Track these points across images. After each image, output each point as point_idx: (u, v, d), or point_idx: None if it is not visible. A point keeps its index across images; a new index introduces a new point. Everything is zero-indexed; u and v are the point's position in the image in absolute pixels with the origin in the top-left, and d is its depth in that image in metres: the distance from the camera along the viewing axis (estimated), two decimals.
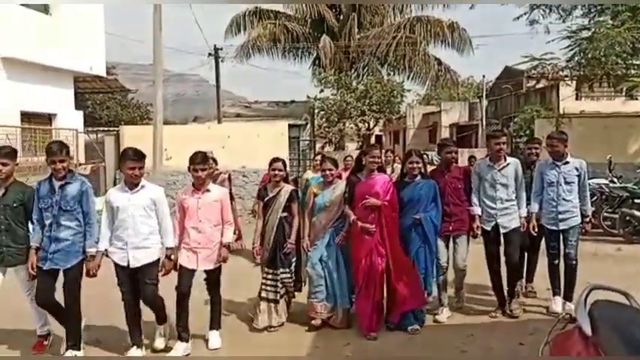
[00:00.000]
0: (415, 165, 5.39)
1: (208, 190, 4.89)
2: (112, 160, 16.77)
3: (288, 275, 5.44)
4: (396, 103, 25.62)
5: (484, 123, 30.77)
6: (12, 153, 4.70)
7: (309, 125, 23.20)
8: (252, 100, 30.10)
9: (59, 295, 4.64)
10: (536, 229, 5.64)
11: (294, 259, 5.53)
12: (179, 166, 15.09)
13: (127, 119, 24.80)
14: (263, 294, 5.39)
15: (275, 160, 5.52)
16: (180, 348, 4.75)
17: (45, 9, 14.43)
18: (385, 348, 4.94)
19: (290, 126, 19.59)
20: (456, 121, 33.51)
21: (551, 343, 2.80)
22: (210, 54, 25.10)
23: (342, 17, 25.49)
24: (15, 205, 4.59)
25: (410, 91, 27.69)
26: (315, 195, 5.49)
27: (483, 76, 33.68)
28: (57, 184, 4.48)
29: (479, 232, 5.54)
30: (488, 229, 5.54)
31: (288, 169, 5.81)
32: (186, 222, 4.82)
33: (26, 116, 13.77)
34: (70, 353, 4.56)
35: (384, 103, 24.47)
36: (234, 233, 8.44)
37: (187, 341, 4.80)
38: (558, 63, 13.70)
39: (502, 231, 5.52)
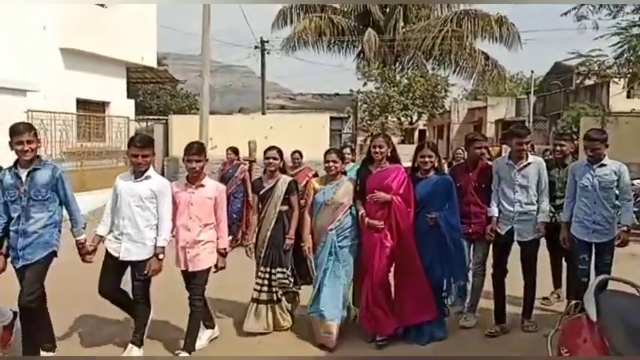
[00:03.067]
0: (427, 159, 4.76)
1: (202, 185, 4.39)
2: (160, 148, 17.48)
3: (285, 275, 4.88)
4: (440, 97, 25.52)
5: (531, 119, 30.12)
6: None
7: (351, 118, 23.38)
8: (296, 92, 30.49)
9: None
10: (567, 242, 4.95)
11: (291, 257, 4.95)
12: (223, 155, 15.61)
13: (175, 109, 25.60)
14: (254, 295, 4.87)
15: (269, 148, 5.03)
16: (204, 336, 4.59)
17: (101, 1, 15.13)
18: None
19: (332, 118, 19.86)
20: (502, 117, 32.88)
21: (560, 330, 2.95)
22: (256, 46, 25.56)
23: (387, 10, 25.48)
24: None
25: (455, 85, 27.50)
26: (316, 192, 4.88)
27: (532, 72, 32.90)
28: (23, 171, 3.98)
29: (492, 235, 4.97)
30: (503, 233, 4.96)
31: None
32: (177, 218, 4.37)
33: (82, 104, 14.51)
34: (44, 354, 4.18)
35: (427, 98, 24.41)
36: (241, 233, 8.07)
37: (213, 327, 4.70)
38: (606, 60, 13.35)
39: (517, 239, 4.96)
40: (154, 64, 17.56)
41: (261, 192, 4.98)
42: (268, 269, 4.86)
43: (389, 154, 4.76)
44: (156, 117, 20.20)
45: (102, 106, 15.55)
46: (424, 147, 4.86)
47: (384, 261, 4.63)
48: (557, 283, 5.85)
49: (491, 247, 5.11)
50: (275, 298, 4.87)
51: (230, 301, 5.59)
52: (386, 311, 4.64)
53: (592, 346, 2.56)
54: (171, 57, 40.01)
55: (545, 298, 5.71)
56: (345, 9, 26.14)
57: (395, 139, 28.96)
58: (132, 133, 16.07)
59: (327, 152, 4.94)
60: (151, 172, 4.25)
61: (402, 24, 25.24)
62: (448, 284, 4.87)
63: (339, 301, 4.66)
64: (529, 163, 4.92)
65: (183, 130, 15.65)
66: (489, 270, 5.12)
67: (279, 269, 4.85)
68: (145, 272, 4.15)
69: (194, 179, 4.40)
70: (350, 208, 4.79)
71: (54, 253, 4.10)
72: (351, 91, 25.42)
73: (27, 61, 11.74)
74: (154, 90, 26.34)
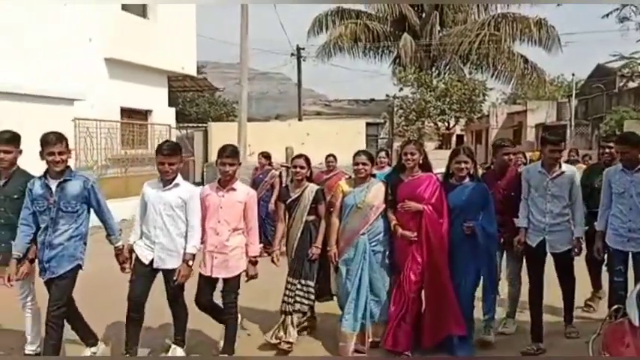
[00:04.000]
0: (463, 165, 4.52)
1: (233, 189, 4.30)
2: (200, 155, 17.90)
3: (308, 288, 4.71)
4: (477, 102, 25.20)
5: (573, 123, 29.41)
6: (15, 139, 4.11)
7: (387, 124, 23.36)
8: (332, 99, 30.67)
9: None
10: (602, 253, 4.71)
11: (319, 270, 4.81)
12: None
13: (214, 116, 26.09)
14: (283, 307, 4.71)
15: (297, 156, 4.94)
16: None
17: (143, 13, 15.63)
18: None
19: (368, 124, 19.92)
20: (543, 121, 32.18)
21: (602, 335, 2.93)
22: (292, 54, 25.86)
23: (424, 15, 25.41)
24: (16, 196, 4.05)
25: (493, 89, 27.10)
26: (345, 194, 4.69)
27: (573, 75, 32.12)
28: (53, 182, 3.93)
29: (520, 247, 4.72)
30: (534, 245, 4.67)
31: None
32: (206, 222, 4.29)
33: (125, 112, 14.99)
34: (90, 349, 4.30)
35: (465, 102, 24.15)
36: (266, 240, 7.68)
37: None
38: None
39: (550, 250, 4.67)
40: (193, 72, 18.00)
41: (288, 201, 4.87)
42: (294, 280, 4.72)
43: (421, 162, 4.61)
44: (195, 124, 20.65)
45: (144, 114, 16.02)
46: (460, 152, 4.63)
47: (415, 274, 4.43)
48: (596, 285, 5.63)
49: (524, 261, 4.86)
50: (297, 308, 4.70)
51: (260, 310, 5.38)
52: (413, 326, 4.45)
53: (634, 350, 2.55)
54: (209, 65, 40.87)
55: (587, 305, 5.55)
56: (381, 15, 26.18)
57: (432, 145, 28.77)
58: (173, 140, 16.50)
59: (357, 154, 4.74)
60: (179, 179, 4.18)
61: (438, 28, 25.11)
62: (483, 296, 4.66)
63: (360, 311, 4.50)
64: (562, 172, 4.64)
65: (222, 136, 15.92)
66: (525, 279, 4.90)
67: (304, 281, 4.69)
68: (175, 279, 4.08)
69: (226, 183, 4.31)
70: (382, 211, 4.63)
71: (79, 267, 4.04)
72: (387, 96, 25.38)
73: (74, 72, 12.22)
74: (193, 98, 26.92)
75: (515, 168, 5.14)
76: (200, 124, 20.18)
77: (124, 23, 14.19)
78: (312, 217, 4.79)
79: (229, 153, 4.31)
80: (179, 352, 4.38)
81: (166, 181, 4.14)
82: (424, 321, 4.49)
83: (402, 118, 24.65)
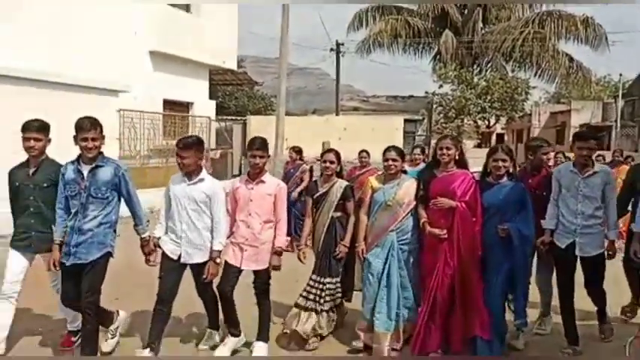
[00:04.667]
0: (501, 163, 4.37)
1: (263, 182, 4.27)
2: (238, 147, 18.17)
3: (335, 286, 4.67)
4: (519, 100, 24.72)
5: (619, 125, 28.51)
6: (44, 127, 4.11)
7: (425, 121, 23.16)
8: (370, 94, 30.55)
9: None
10: (639, 255, 4.44)
11: (342, 267, 4.74)
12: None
13: (252, 109, 26.39)
14: (300, 301, 4.65)
15: (327, 151, 4.84)
16: (229, 343, 4.37)
17: (187, 8, 15.95)
18: None
19: (406, 121, 19.80)
20: (588, 122, 31.31)
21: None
22: (332, 49, 25.88)
23: (466, 12, 25.01)
24: (46, 185, 4.07)
25: (536, 88, 26.50)
26: (375, 191, 4.58)
27: (620, 75, 31.14)
28: (85, 167, 3.93)
29: (542, 249, 4.62)
30: (563, 247, 4.52)
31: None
32: (237, 214, 4.30)
33: (167, 104, 15.36)
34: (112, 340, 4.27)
35: (506, 101, 23.73)
36: (295, 235, 7.55)
37: (239, 335, 4.42)
38: None
39: (579, 253, 4.48)
40: (234, 66, 18.27)
41: (315, 196, 4.80)
42: (318, 277, 4.64)
43: (456, 158, 4.44)
44: (234, 117, 20.95)
45: (186, 106, 16.38)
46: (498, 150, 4.48)
47: (446, 274, 4.28)
48: (636, 292, 5.27)
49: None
50: (319, 309, 4.59)
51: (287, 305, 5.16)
52: (442, 327, 4.30)
53: None
54: (249, 60, 41.31)
55: (624, 313, 5.30)
56: (422, 11, 25.91)
57: (470, 143, 28.38)
58: (212, 133, 16.84)
59: (387, 150, 4.59)
60: (203, 174, 4.14)
61: (480, 25, 24.70)
62: (515, 300, 4.49)
63: (394, 311, 4.40)
64: (595, 172, 4.47)
65: (260, 130, 16.08)
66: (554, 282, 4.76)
67: (328, 279, 4.62)
68: (204, 277, 4.10)
69: (255, 175, 4.28)
70: (412, 208, 4.50)
71: (109, 254, 4.02)
72: (426, 93, 25.16)
73: (119, 64, 12.59)
74: (233, 91, 27.27)
75: (547, 168, 5.02)
76: (239, 117, 20.46)
77: (168, 17, 14.53)
78: (338, 214, 4.71)
79: (259, 145, 4.25)
80: (215, 335, 4.50)
81: (190, 175, 4.09)
82: (453, 322, 4.32)
83: (441, 115, 24.39)
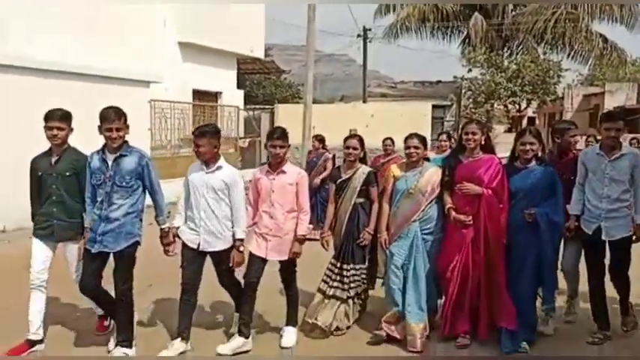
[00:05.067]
0: (529, 147, 4.26)
1: (284, 172, 4.24)
2: (266, 136, 18.32)
3: (359, 273, 4.59)
4: (551, 83, 24.17)
5: None
6: (67, 117, 4.10)
7: (454, 106, 22.91)
8: (397, 80, 30.34)
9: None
10: None
11: (368, 254, 4.67)
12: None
13: (280, 98, 26.50)
14: (322, 286, 4.63)
15: (350, 137, 4.76)
16: (234, 342, 4.21)
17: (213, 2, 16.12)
18: None
19: (434, 106, 19.62)
20: (622, 104, 30.42)
21: None
22: (359, 35, 25.72)
23: None
24: (68, 174, 4.08)
25: (568, 70, 25.84)
26: (396, 179, 4.51)
27: None
28: (110, 157, 3.96)
29: (568, 234, 4.48)
30: (590, 232, 4.40)
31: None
32: (260, 205, 4.29)
33: (197, 94, 15.60)
34: (119, 352, 4.02)
35: (537, 84, 23.23)
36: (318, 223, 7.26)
37: (247, 337, 4.24)
38: None
39: (605, 237, 4.34)
40: (261, 55, 18.40)
41: (338, 182, 4.73)
42: (339, 264, 4.60)
43: (483, 143, 4.35)
44: (262, 106, 21.10)
45: (214, 96, 16.59)
46: (526, 133, 4.37)
47: (470, 261, 4.21)
48: None
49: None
50: (345, 296, 4.55)
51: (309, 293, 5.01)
52: (467, 312, 4.28)
53: None
54: (276, 48, 41.35)
55: None
56: None
57: (501, 128, 27.95)
58: (241, 122, 17.03)
59: (409, 137, 4.52)
60: (221, 162, 4.13)
61: (511, 7, 24.18)
62: (544, 288, 4.44)
63: (423, 302, 4.34)
64: (623, 155, 4.31)
65: (288, 118, 16.25)
66: (583, 269, 4.70)
67: (351, 265, 4.56)
68: (229, 265, 4.13)
69: (276, 165, 4.26)
70: (435, 197, 4.42)
71: (137, 243, 4.04)
72: (455, 77, 24.81)
73: (150, 55, 12.82)
74: (260, 80, 27.41)
75: (575, 151, 4.87)
76: (266, 106, 20.60)
77: (196, 8, 14.69)
78: (361, 200, 4.63)
79: (279, 135, 4.22)
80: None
81: (208, 164, 4.09)
82: (480, 310, 4.27)
83: (470, 100, 24.05)
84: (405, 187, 4.43)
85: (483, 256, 4.21)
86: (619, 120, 4.42)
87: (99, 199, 3.98)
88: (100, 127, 3.93)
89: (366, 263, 4.66)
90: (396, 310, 4.37)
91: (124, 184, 3.94)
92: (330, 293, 4.57)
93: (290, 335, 4.40)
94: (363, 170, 4.67)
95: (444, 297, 4.47)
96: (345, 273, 4.56)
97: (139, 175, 4.01)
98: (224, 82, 16.64)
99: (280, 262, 4.34)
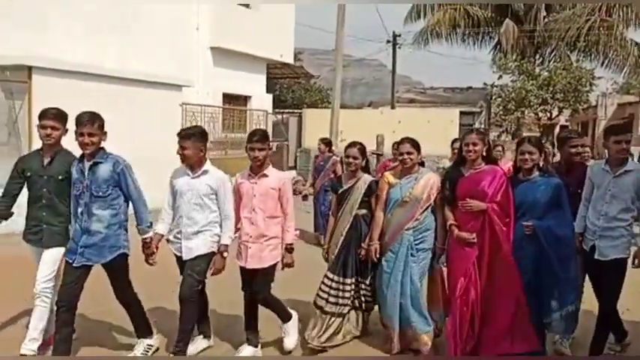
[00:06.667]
0: (528, 156, 4.02)
1: (265, 175, 4.05)
2: (294, 140, 18.54)
3: (360, 286, 4.40)
4: (584, 91, 23.75)
5: None
6: (61, 116, 3.86)
7: (483, 113, 22.71)
8: (427, 86, 30.23)
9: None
10: None
11: (372, 270, 4.43)
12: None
13: (309, 102, 26.69)
14: (318, 302, 4.37)
15: (350, 145, 4.50)
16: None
17: (246, 4, 16.40)
18: None
19: (462, 113, 19.55)
20: None
21: None
22: (388, 41, 25.75)
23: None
24: (61, 177, 3.85)
25: (602, 78, 25.35)
26: (390, 186, 4.29)
27: None
28: (87, 165, 3.74)
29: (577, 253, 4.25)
30: (587, 250, 4.17)
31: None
32: (241, 210, 4.09)
33: (227, 97, 15.91)
34: (142, 345, 4.09)
35: (569, 92, 22.85)
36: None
37: (256, 346, 4.20)
38: None
39: (597, 257, 4.05)
40: (290, 60, 18.64)
41: (339, 192, 4.50)
42: (340, 278, 4.35)
43: (484, 154, 4.10)
44: (291, 110, 21.30)
45: (244, 100, 16.88)
46: (524, 142, 4.12)
47: (475, 281, 3.95)
48: None
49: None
50: (344, 311, 4.36)
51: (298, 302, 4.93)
52: (474, 335, 3.96)
53: None
54: (307, 52, 41.58)
55: None
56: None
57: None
58: (269, 126, 17.27)
59: (400, 142, 4.34)
60: (207, 165, 3.97)
61: (544, 14, 23.87)
62: (548, 309, 4.06)
63: (425, 309, 4.21)
64: (628, 171, 4.00)
65: (315, 123, 16.45)
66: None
67: (354, 279, 4.36)
68: (211, 271, 3.93)
69: (257, 169, 4.07)
70: (431, 205, 4.21)
71: (125, 255, 3.89)
72: (485, 84, 24.60)
73: (182, 60, 13.12)
74: (290, 84, 27.66)
75: (584, 163, 4.64)
76: (295, 110, 20.80)
77: (228, 14, 15.01)
78: (363, 211, 4.41)
79: (258, 137, 4.03)
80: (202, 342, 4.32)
81: (193, 168, 3.93)
82: (489, 332, 3.96)
83: (500, 107, 23.80)
84: (399, 195, 4.24)
85: (492, 275, 3.94)
86: (626, 132, 4.17)
87: (79, 210, 3.78)
88: (75, 132, 3.75)
89: (369, 278, 4.43)
90: (392, 330, 4.23)
91: (100, 193, 3.74)
92: (328, 310, 4.34)
93: (290, 338, 4.26)
94: (365, 180, 4.45)
95: (449, 317, 4.21)
96: (346, 287, 4.35)
97: (117, 183, 3.80)
98: (253, 86, 16.93)
99: (254, 273, 4.06)
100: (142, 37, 12.11)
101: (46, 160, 3.89)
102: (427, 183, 4.23)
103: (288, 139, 18.58)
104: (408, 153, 4.24)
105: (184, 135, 3.89)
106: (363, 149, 4.49)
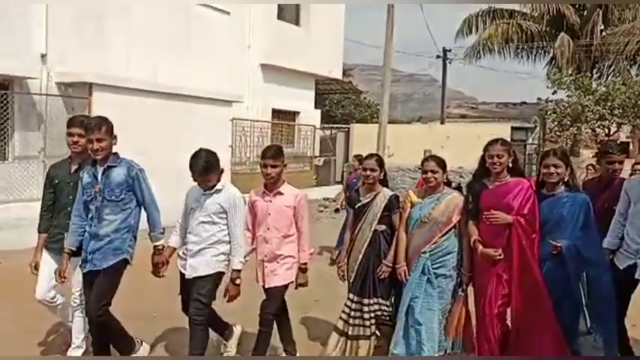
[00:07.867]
0: (553, 169, 3.76)
1: (280, 193, 3.93)
2: (341, 154, 18.63)
3: (380, 307, 4.12)
4: None
5: None
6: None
7: (537, 128, 22.12)
8: (480, 101, 29.76)
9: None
10: None
11: (393, 288, 4.20)
12: (399, 163, 16.09)
13: (358, 118, 26.79)
14: (339, 325, 4.19)
15: (368, 156, 4.31)
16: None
17: (296, 21, 16.72)
18: None
19: (515, 128, 19.12)
20: None
21: None
22: (438, 56, 25.59)
23: (585, 13, 23.57)
24: None
25: None
26: (413, 205, 4.07)
27: None
28: (99, 169, 3.71)
29: None
30: (621, 267, 3.92)
31: None
32: (257, 229, 4.00)
33: (276, 113, 16.21)
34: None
35: (629, 107, 21.97)
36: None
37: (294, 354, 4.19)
38: None
39: (638, 277, 3.86)
40: (339, 76, 18.82)
41: (357, 206, 4.26)
42: (358, 298, 4.14)
43: (510, 165, 3.86)
44: (340, 125, 21.45)
45: (292, 115, 17.14)
46: (549, 154, 3.84)
47: (500, 300, 3.73)
48: None
49: None
50: (368, 333, 4.12)
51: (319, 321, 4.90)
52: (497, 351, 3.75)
53: None
54: (357, 68, 41.85)
55: None
56: (536, 13, 24.80)
57: (589, 152, 26.52)
58: (317, 141, 17.45)
59: (425, 160, 4.10)
60: (221, 184, 3.84)
61: (601, 27, 23.11)
62: (573, 332, 3.82)
63: (437, 336, 3.90)
64: None
65: (363, 138, 16.46)
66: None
67: (373, 300, 4.11)
68: (224, 295, 3.82)
69: (271, 186, 3.94)
70: (452, 229, 3.96)
71: (125, 261, 3.78)
72: (539, 99, 23.98)
73: (234, 76, 13.50)
74: (340, 100, 27.86)
75: (622, 179, 4.39)
76: (343, 125, 20.92)
77: (279, 31, 15.36)
78: (382, 227, 4.16)
79: (272, 153, 3.89)
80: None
81: (206, 185, 3.80)
82: (516, 350, 3.75)
83: (555, 123, 23.10)
84: (419, 215, 4.01)
85: (519, 293, 3.72)
86: None
87: (89, 215, 3.74)
88: (86, 138, 3.73)
89: (390, 299, 4.22)
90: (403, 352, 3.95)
91: (113, 197, 3.70)
92: (351, 333, 4.16)
93: None
94: (385, 194, 4.21)
95: (478, 336, 3.97)
96: (365, 309, 4.13)
97: (130, 188, 3.76)
98: (302, 101, 17.19)
99: (268, 291, 3.98)
100: (196, 55, 12.55)
101: (74, 168, 3.95)
102: (449, 204, 3.99)
103: (335, 154, 18.68)
104: (433, 172, 3.99)
105: (203, 170, 3.73)
106: (380, 161, 4.26)
